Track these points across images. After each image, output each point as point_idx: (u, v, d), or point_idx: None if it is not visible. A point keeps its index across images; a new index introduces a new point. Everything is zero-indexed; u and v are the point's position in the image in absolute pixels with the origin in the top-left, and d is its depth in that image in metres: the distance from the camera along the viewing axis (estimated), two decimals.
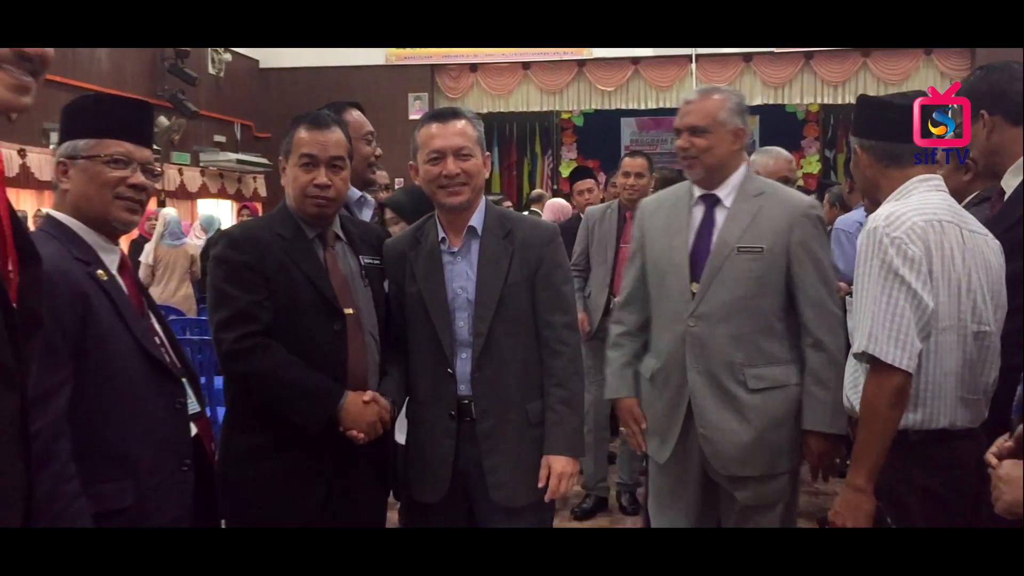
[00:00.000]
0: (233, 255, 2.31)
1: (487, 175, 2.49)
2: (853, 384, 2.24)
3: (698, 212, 2.65)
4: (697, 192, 2.67)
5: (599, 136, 14.67)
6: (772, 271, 2.53)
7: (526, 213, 8.66)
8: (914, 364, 2.02)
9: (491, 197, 11.87)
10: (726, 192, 2.63)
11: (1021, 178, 2.21)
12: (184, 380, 1.97)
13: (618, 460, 4.70)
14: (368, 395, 2.30)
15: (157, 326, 2.01)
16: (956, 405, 2.09)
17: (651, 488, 2.85)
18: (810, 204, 2.64)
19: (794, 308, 2.57)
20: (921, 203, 2.13)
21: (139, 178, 1.90)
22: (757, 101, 13.66)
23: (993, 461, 1.69)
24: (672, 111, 11.94)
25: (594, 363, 4.20)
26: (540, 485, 2.37)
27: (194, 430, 2.01)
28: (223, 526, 2.38)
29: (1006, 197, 2.27)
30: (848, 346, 2.28)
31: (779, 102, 13.73)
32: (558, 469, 2.36)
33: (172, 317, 6.17)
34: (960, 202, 2.48)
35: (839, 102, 13.49)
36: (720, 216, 2.61)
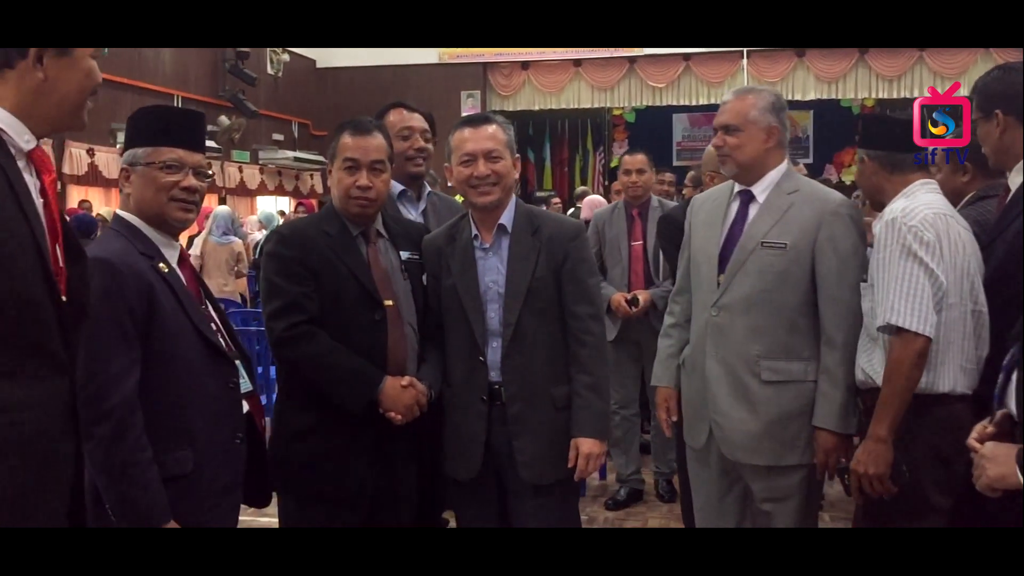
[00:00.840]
0: (283, 250, 2.52)
1: (517, 176, 2.65)
2: (867, 356, 2.46)
3: (734, 207, 2.74)
4: (736, 188, 2.77)
5: (651, 132, 14.70)
6: (795, 267, 2.58)
7: (572, 209, 8.79)
8: (933, 331, 2.29)
9: (541, 194, 11.88)
10: (761, 188, 2.70)
11: (1022, 179, 2.31)
12: (238, 362, 2.19)
13: (652, 450, 4.83)
14: (406, 380, 2.49)
15: (213, 313, 2.23)
16: (958, 372, 2.36)
17: (689, 473, 2.97)
18: (842, 202, 2.66)
19: None
20: (928, 201, 2.42)
21: (191, 181, 2.12)
22: (811, 96, 13.60)
23: (976, 445, 1.81)
24: None
25: (616, 364, 4.26)
26: (570, 466, 2.53)
27: (246, 407, 2.23)
28: (274, 496, 2.60)
29: (1010, 196, 2.37)
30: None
31: (833, 97, 13.63)
32: (585, 450, 2.51)
33: (232, 309, 6.44)
34: (958, 202, 2.65)
35: (895, 96, 13.31)
36: (753, 211, 2.71)
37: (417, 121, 3.16)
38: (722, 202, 2.80)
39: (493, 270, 2.59)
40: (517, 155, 2.66)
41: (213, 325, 2.17)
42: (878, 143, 2.54)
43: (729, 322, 2.66)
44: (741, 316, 2.64)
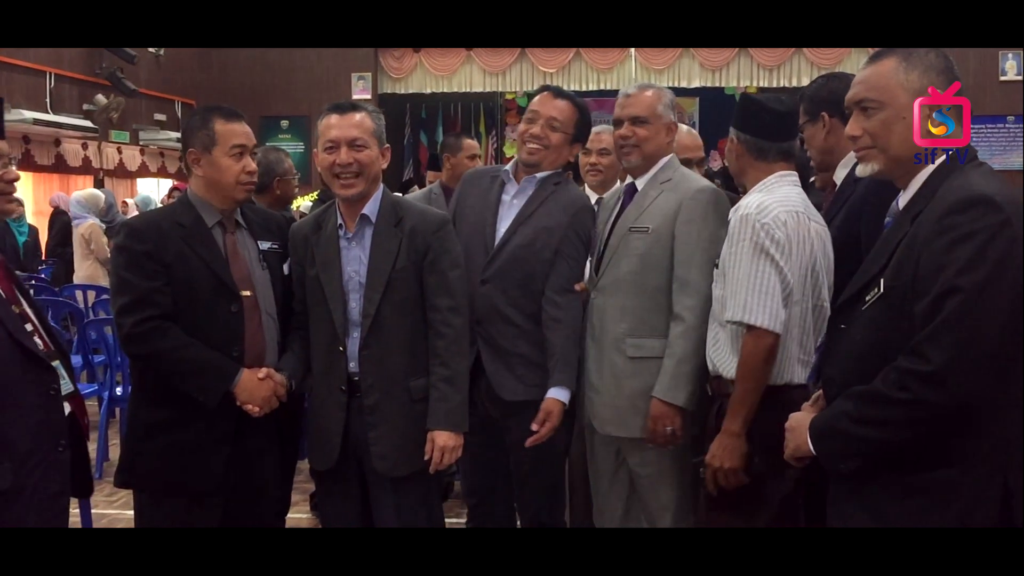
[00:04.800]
0: (133, 244, 2.46)
1: (384, 166, 2.63)
2: (713, 343, 2.53)
3: (621, 200, 2.90)
4: (626, 181, 2.91)
5: None
6: (657, 250, 2.70)
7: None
8: (781, 328, 2.35)
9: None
10: (643, 181, 2.82)
11: (848, 169, 2.47)
12: (56, 363, 2.08)
13: None
14: (263, 371, 2.48)
15: (28, 310, 2.11)
16: (795, 365, 2.43)
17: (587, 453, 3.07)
18: (700, 187, 2.76)
19: None
20: (784, 197, 2.46)
21: (13, 173, 2.03)
22: (696, 84, 13.93)
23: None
24: (612, 93, 12.15)
25: None
26: (426, 458, 2.54)
27: (68, 408, 2.12)
28: (133, 496, 2.55)
29: (837, 188, 2.53)
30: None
31: (717, 85, 13.99)
32: (440, 443, 2.52)
33: (104, 296, 6.26)
34: None
35: (775, 85, 13.79)
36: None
37: (547, 109, 2.88)
38: (613, 198, 2.99)
39: (355, 260, 2.59)
40: (387, 145, 2.64)
41: (28, 326, 2.05)
42: (749, 127, 2.55)
43: (603, 303, 2.81)
44: (612, 297, 2.78)
